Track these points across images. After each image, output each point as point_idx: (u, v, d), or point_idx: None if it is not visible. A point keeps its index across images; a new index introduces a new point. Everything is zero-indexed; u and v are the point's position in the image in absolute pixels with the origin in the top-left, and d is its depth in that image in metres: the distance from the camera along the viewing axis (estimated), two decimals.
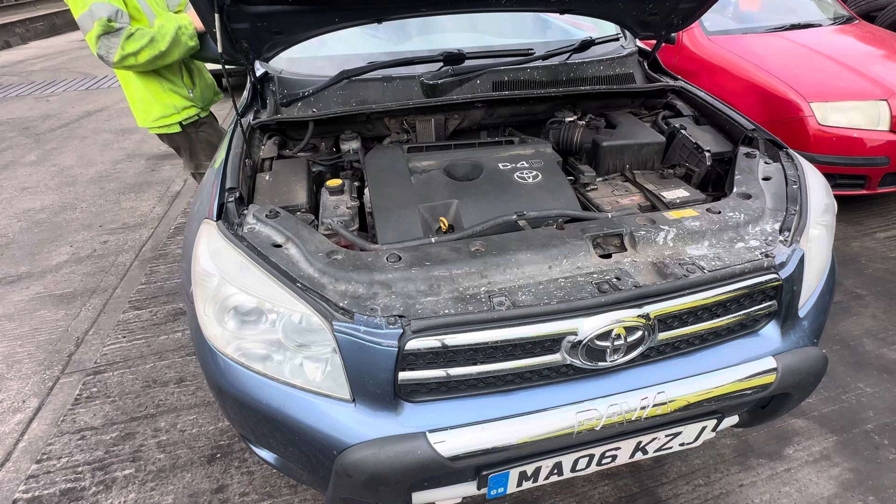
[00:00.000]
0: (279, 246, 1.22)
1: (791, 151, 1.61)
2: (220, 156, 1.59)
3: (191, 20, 2.19)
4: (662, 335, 1.17)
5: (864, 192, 3.10)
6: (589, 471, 1.30)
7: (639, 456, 1.31)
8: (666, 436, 1.26)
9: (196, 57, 2.37)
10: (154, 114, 2.36)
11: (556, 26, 2.43)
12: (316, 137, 1.84)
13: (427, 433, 1.07)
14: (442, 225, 1.45)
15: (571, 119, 1.94)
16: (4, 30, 10.18)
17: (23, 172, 4.51)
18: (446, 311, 1.08)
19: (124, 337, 2.52)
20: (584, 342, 1.10)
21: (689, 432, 1.29)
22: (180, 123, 2.42)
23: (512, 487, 1.25)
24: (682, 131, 1.77)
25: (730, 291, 1.18)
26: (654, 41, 2.10)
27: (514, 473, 1.20)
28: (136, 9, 2.11)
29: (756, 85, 3.20)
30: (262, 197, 1.48)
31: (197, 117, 2.48)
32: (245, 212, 1.32)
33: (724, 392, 1.19)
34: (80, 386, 2.25)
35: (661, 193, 1.57)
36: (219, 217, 1.29)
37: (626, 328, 1.11)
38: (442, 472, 1.09)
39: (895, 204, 3.45)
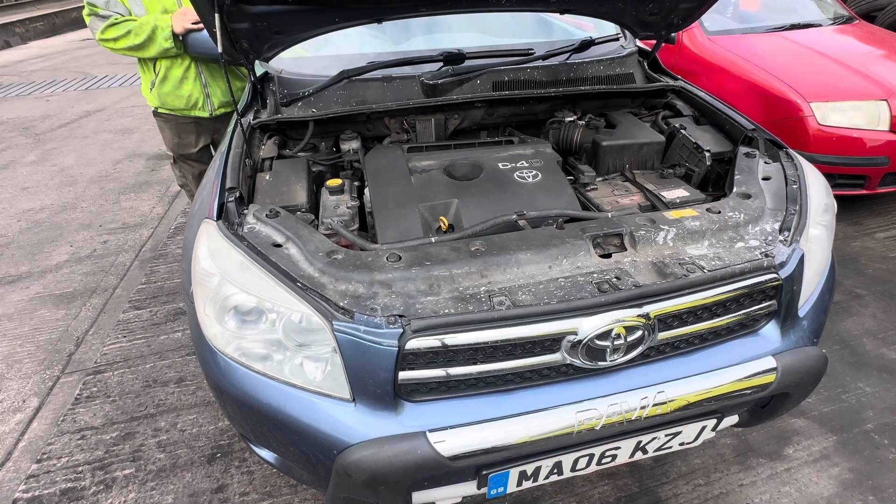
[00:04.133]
0: (279, 246, 1.22)
1: (791, 151, 1.61)
2: (220, 156, 1.59)
3: (170, 23, 2.22)
4: (662, 335, 1.18)
5: (864, 192, 3.10)
6: (589, 470, 1.30)
7: (639, 455, 1.31)
8: (666, 435, 1.27)
9: (196, 56, 2.37)
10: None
11: (557, 26, 2.43)
12: (316, 137, 1.84)
13: (427, 433, 1.07)
14: (442, 225, 1.45)
15: (571, 119, 1.94)
16: (4, 30, 10.17)
17: (23, 172, 4.51)
18: (446, 311, 1.08)
19: (124, 337, 2.52)
20: (584, 342, 1.11)
21: (688, 432, 1.29)
22: (155, 108, 2.59)
23: (512, 487, 1.25)
24: (682, 131, 1.77)
25: (730, 291, 1.18)
26: (654, 41, 2.10)
27: (514, 473, 1.20)
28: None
29: (756, 85, 3.20)
30: (262, 197, 1.48)
31: (158, 109, 2.58)
32: (245, 211, 1.32)
33: (724, 392, 1.19)
34: (81, 386, 2.25)
35: (661, 193, 1.57)
36: (219, 217, 1.29)
37: (626, 328, 1.11)
38: (442, 471, 1.09)
39: (895, 204, 3.45)
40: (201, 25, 2.17)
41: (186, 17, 2.22)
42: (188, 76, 2.45)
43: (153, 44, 2.26)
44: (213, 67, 2.49)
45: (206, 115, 2.56)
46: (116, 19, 2.23)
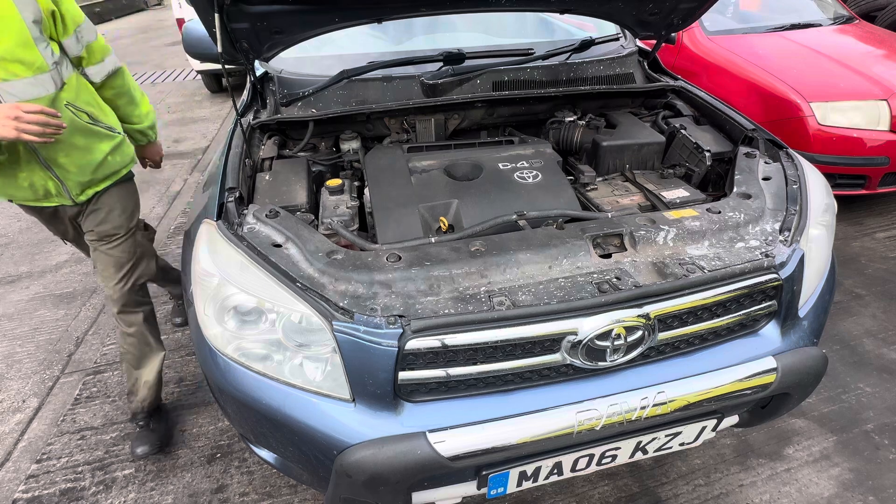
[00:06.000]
0: (279, 246, 1.22)
1: (791, 151, 1.61)
2: (220, 156, 1.59)
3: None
4: (662, 335, 1.17)
5: (864, 192, 3.10)
6: (589, 471, 1.30)
7: (639, 456, 1.31)
8: (666, 436, 1.27)
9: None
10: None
11: (557, 26, 2.44)
12: (316, 137, 1.84)
13: (427, 433, 1.07)
14: (442, 225, 1.45)
15: (571, 119, 1.94)
16: None
17: None
18: (446, 311, 1.08)
19: None
20: (584, 342, 1.10)
21: (688, 432, 1.29)
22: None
23: (512, 487, 1.25)
24: (682, 131, 1.77)
25: (730, 291, 1.18)
26: (654, 41, 2.10)
27: (513, 473, 1.20)
28: None
29: (756, 85, 3.20)
30: (262, 197, 1.48)
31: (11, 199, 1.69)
32: (245, 212, 1.32)
33: (724, 392, 1.19)
34: (80, 386, 2.25)
35: (661, 193, 1.57)
36: (219, 217, 1.30)
37: (626, 328, 1.11)
38: (442, 471, 1.09)
39: (895, 204, 3.45)
40: (39, 129, 1.37)
41: (20, 119, 1.34)
42: (19, 160, 1.55)
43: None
44: (59, 141, 1.53)
45: (68, 202, 1.69)
46: None
